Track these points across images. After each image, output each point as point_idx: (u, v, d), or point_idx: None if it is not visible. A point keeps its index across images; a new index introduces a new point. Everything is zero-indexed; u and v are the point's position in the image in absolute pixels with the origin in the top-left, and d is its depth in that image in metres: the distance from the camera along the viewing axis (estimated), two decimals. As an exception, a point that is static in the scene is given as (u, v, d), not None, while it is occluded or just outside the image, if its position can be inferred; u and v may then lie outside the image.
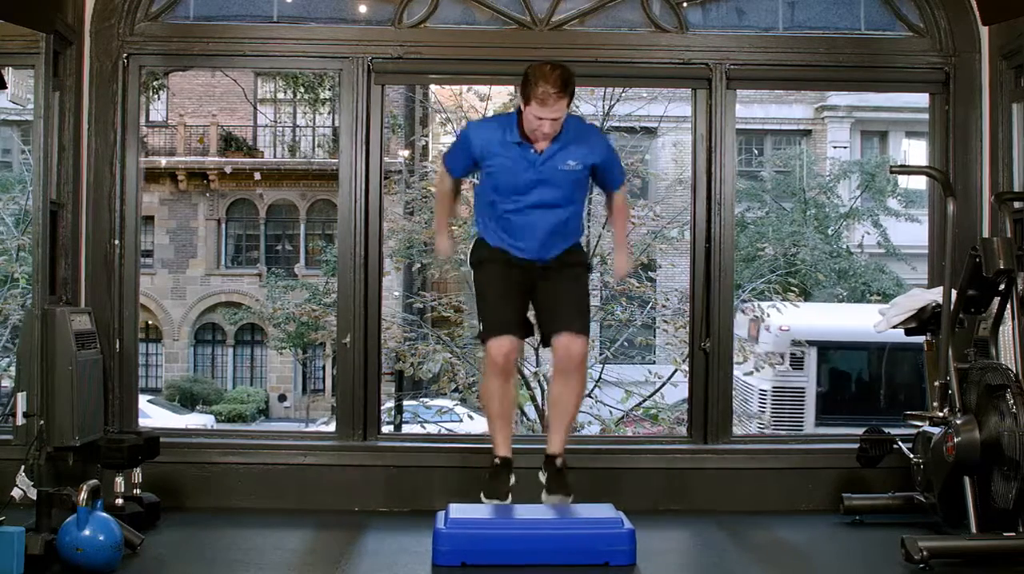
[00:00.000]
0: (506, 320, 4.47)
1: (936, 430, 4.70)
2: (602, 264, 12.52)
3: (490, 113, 13.20)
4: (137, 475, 4.82)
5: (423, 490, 5.24)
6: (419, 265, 14.35)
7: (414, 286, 17.45)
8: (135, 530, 4.39)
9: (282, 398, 23.13)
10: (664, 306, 13.10)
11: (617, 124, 14.34)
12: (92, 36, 5.34)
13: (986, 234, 5.31)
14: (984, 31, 5.46)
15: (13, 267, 14.32)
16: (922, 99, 5.98)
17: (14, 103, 6.87)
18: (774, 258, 16.40)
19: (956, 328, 4.80)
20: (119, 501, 4.66)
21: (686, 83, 5.73)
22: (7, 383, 14.05)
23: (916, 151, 20.15)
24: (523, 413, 11.97)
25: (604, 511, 4.34)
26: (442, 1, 5.51)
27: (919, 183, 16.56)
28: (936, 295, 4.95)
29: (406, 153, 20.62)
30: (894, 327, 5.13)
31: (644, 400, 12.65)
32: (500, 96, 13.77)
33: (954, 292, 4.78)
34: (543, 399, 11.34)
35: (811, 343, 13.43)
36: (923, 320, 5.04)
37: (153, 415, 17.26)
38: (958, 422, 4.50)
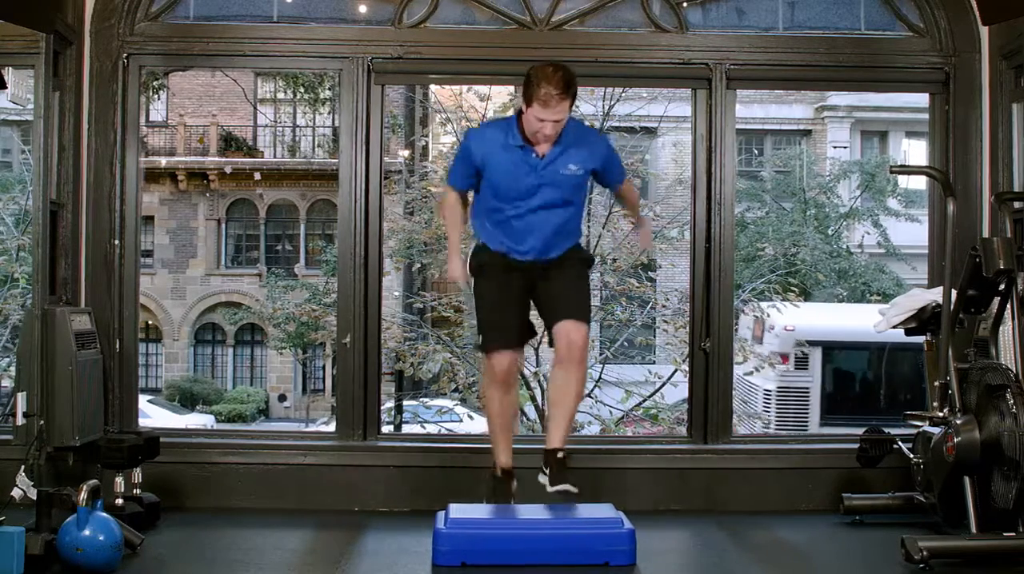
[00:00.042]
0: (506, 334, 4.50)
1: (936, 430, 4.70)
2: (602, 263, 12.53)
3: (490, 114, 13.21)
4: (137, 475, 4.82)
5: (423, 490, 5.23)
6: (419, 265, 14.35)
7: (414, 286, 17.46)
8: (135, 530, 4.39)
9: (282, 398, 23.14)
10: (664, 306, 13.10)
11: (617, 124, 14.34)
12: (92, 36, 5.34)
13: (986, 234, 5.31)
14: (984, 31, 5.46)
15: (13, 267, 14.33)
16: (922, 99, 5.98)
17: (14, 103, 6.87)
18: (774, 258, 16.41)
19: (956, 328, 4.80)
20: (119, 501, 4.66)
21: (686, 83, 5.73)
22: (7, 383, 14.05)
23: (916, 151, 20.15)
24: (523, 413, 11.97)
25: (604, 511, 4.34)
26: (442, 1, 5.51)
27: (919, 183, 16.57)
28: (936, 295, 4.95)
29: (406, 153, 20.62)
30: (894, 327, 5.13)
31: (644, 400, 12.65)
32: (500, 96, 13.77)
33: (954, 292, 4.78)
34: (543, 399, 11.34)
35: (817, 343, 13.43)
36: (923, 320, 5.04)
37: (153, 415, 17.27)
38: (958, 422, 4.50)
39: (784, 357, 13.41)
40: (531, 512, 4.39)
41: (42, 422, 4.77)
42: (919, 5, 5.56)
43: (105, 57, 5.35)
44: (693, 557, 4.84)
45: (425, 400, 15.47)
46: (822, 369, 13.64)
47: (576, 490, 4.34)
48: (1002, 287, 4.64)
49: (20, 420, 4.81)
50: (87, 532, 3.99)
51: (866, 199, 19.51)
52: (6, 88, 5.02)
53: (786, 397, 13.35)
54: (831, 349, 13.67)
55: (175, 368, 23.16)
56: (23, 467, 4.55)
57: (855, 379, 14.07)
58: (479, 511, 4.43)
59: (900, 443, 5.10)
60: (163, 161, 22.66)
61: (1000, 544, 4.24)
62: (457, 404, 15.30)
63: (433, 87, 16.73)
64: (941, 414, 4.71)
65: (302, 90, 22.84)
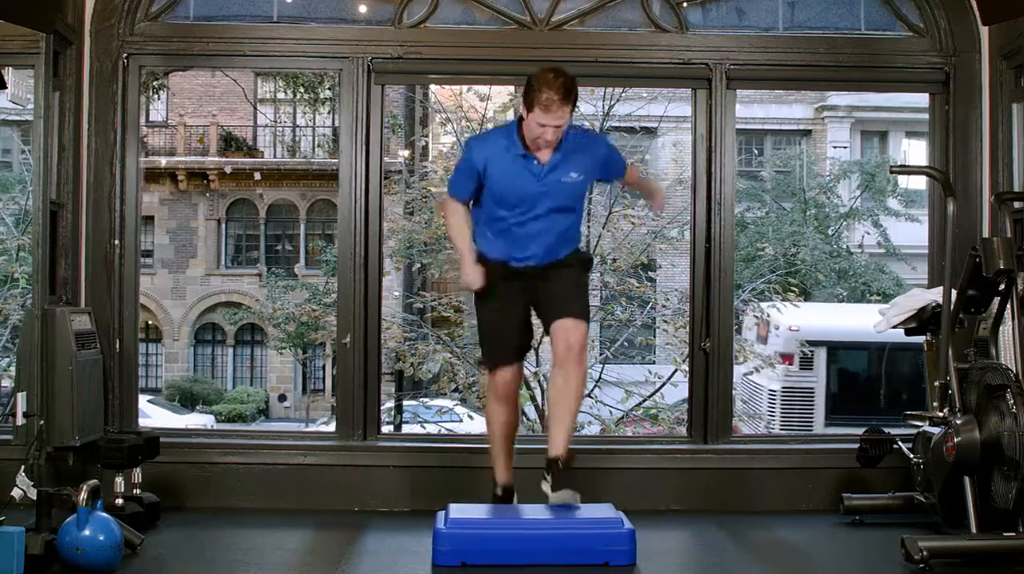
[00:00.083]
0: (507, 352, 4.57)
1: (936, 430, 4.70)
2: (602, 264, 12.53)
3: (490, 114, 13.22)
4: (137, 475, 4.82)
5: (423, 490, 5.24)
6: (419, 265, 14.35)
7: (414, 286, 17.46)
8: (135, 530, 4.39)
9: (282, 398, 23.13)
10: (664, 306, 13.10)
11: (617, 124, 14.34)
12: (92, 36, 5.34)
13: (986, 234, 5.31)
14: (984, 31, 5.46)
15: (13, 267, 14.33)
16: (922, 99, 5.98)
17: (14, 103, 6.87)
18: (774, 258, 16.41)
19: (956, 328, 4.80)
20: (119, 501, 4.65)
21: (686, 83, 5.73)
22: (7, 383, 14.05)
23: (916, 151, 20.15)
24: (523, 413, 11.97)
25: (604, 511, 4.34)
26: (442, 1, 5.51)
27: (919, 183, 16.57)
28: (936, 295, 4.95)
29: (406, 153, 20.62)
30: (894, 327, 5.13)
31: (644, 400, 12.65)
32: (500, 96, 13.78)
33: (954, 292, 4.78)
34: (543, 399, 11.34)
35: (822, 343, 13.41)
36: (923, 320, 5.04)
37: (153, 415, 17.27)
38: (958, 422, 4.50)
39: (789, 357, 13.40)
40: (531, 512, 4.40)
41: (42, 422, 4.77)
42: (919, 5, 5.56)
43: (105, 57, 5.35)
44: (693, 557, 4.84)
45: (425, 400, 15.48)
46: (827, 369, 13.63)
47: (578, 499, 4.34)
48: (1002, 287, 4.64)
49: (20, 420, 4.81)
50: (87, 532, 3.99)
51: (866, 199, 19.51)
52: (6, 88, 5.02)
53: (791, 397, 13.35)
54: (836, 349, 13.66)
55: (175, 368, 23.16)
56: (23, 467, 4.55)
57: (860, 379, 14.06)
58: (479, 511, 4.43)
59: (900, 443, 5.10)
60: (163, 161, 22.66)
61: (1000, 544, 4.24)
62: (457, 404, 15.30)
63: (433, 87, 16.73)
64: (941, 414, 4.71)
65: (302, 90, 22.84)
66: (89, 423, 4.93)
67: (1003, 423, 4.34)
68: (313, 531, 4.90)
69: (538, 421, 11.49)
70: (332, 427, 5.86)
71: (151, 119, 22.63)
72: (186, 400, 21.72)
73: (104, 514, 4.10)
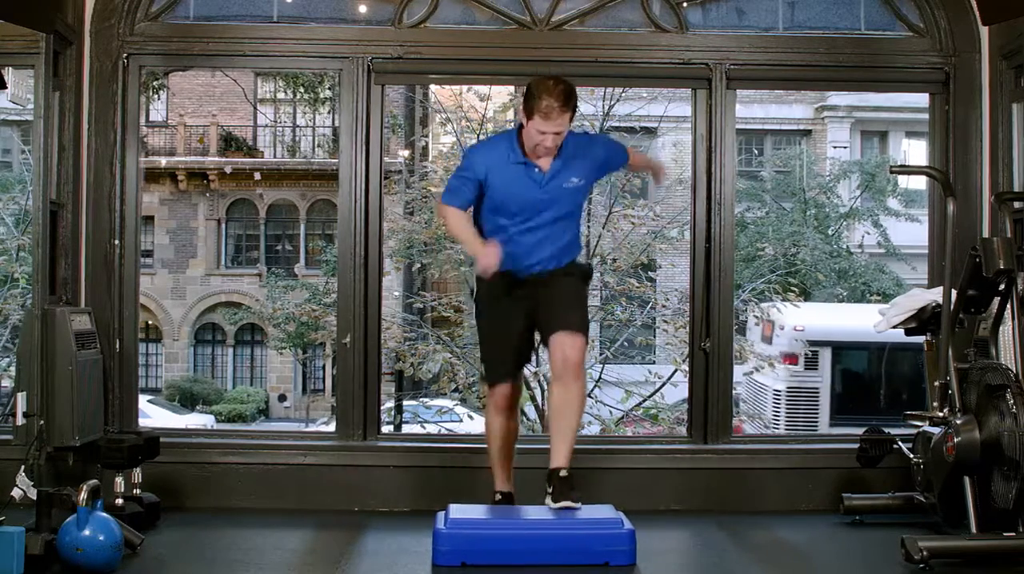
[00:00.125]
0: (508, 367, 4.60)
1: (936, 430, 4.70)
2: (602, 264, 12.53)
3: (490, 114, 13.22)
4: (137, 475, 4.81)
5: (423, 490, 5.23)
6: (419, 265, 14.36)
7: (414, 286, 17.47)
8: (135, 530, 4.39)
9: (282, 398, 23.13)
10: (664, 306, 13.11)
11: (617, 124, 14.36)
12: (92, 36, 5.34)
13: (986, 234, 5.31)
14: (984, 31, 5.46)
15: (13, 267, 14.34)
16: (922, 99, 5.97)
17: (14, 103, 6.87)
18: (774, 258, 16.41)
19: (956, 328, 4.80)
20: (119, 501, 4.65)
21: (686, 83, 5.73)
22: (7, 383, 14.06)
23: (916, 151, 20.15)
24: (523, 413, 11.98)
25: (604, 511, 4.34)
26: (442, 1, 5.51)
27: (919, 183, 16.57)
28: (936, 295, 4.95)
29: (406, 153, 20.63)
30: (894, 327, 5.13)
31: (644, 400, 12.66)
32: (500, 96, 13.79)
33: (954, 292, 4.78)
34: (543, 399, 11.34)
35: (826, 344, 13.41)
36: (923, 320, 5.04)
37: (153, 415, 17.26)
38: (958, 422, 4.50)
39: (794, 357, 13.40)
40: (531, 512, 4.39)
41: (42, 422, 4.77)
42: (919, 5, 5.55)
43: (105, 57, 5.35)
44: (693, 557, 4.84)
45: (425, 400, 15.48)
46: (832, 369, 13.63)
47: (579, 505, 4.33)
48: (1002, 287, 4.64)
49: (20, 420, 4.81)
50: (87, 532, 3.99)
51: (866, 199, 19.51)
52: (6, 88, 5.02)
53: (796, 397, 13.34)
54: (840, 349, 13.66)
55: (175, 368, 23.16)
56: (23, 467, 4.55)
57: (864, 379, 14.05)
58: (479, 511, 4.43)
59: (900, 443, 5.10)
60: (163, 161, 22.66)
61: (1000, 544, 4.24)
62: (457, 404, 15.30)
63: (433, 87, 16.74)
64: (941, 414, 4.71)
65: (302, 90, 22.84)
66: (89, 423, 4.93)
67: (1003, 423, 4.34)
68: (313, 531, 4.90)
69: (538, 421, 11.49)
70: (332, 427, 5.86)
71: (151, 119, 22.63)
72: (186, 400, 21.72)
73: (104, 514, 4.10)
